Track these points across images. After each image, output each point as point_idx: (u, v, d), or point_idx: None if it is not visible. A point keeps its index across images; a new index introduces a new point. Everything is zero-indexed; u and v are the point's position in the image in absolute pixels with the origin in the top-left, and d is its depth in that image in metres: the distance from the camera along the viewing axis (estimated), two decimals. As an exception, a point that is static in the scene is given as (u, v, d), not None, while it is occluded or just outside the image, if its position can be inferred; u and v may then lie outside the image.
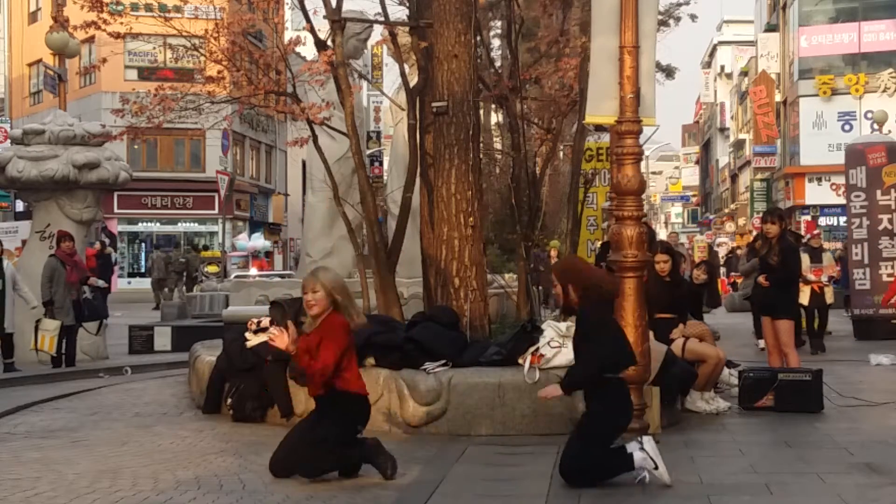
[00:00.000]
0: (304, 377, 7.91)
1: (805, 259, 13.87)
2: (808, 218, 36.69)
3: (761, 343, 16.70)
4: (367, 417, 6.32)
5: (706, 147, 79.14)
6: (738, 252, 28.94)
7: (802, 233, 15.66)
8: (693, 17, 26.96)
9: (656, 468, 5.81)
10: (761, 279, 10.21)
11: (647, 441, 5.90)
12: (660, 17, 20.15)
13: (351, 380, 6.16)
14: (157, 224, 42.10)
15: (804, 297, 13.98)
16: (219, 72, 10.88)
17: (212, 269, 32.23)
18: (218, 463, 6.76)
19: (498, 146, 23.04)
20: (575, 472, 5.88)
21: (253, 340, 8.46)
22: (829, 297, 14.91)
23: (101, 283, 15.62)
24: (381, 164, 41.76)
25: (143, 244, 40.71)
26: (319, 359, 5.97)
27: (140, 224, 41.84)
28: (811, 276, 14.31)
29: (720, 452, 6.97)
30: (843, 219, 17.08)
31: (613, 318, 6.43)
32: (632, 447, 5.88)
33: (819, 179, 38.30)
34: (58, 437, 8.09)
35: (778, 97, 44.14)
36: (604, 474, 5.94)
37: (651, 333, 7.88)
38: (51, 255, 13.38)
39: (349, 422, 6.16)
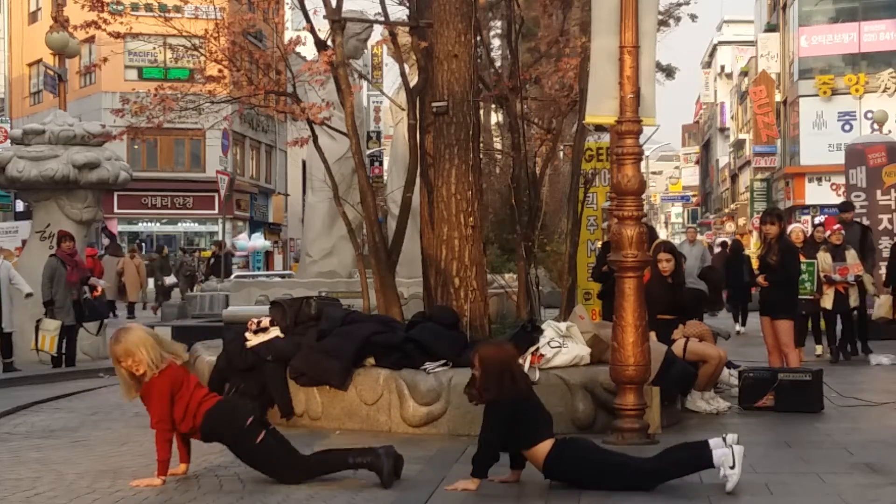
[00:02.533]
0: (302, 377, 7.93)
1: (827, 258, 12.96)
2: (808, 217, 36.68)
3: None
4: (235, 418, 6.14)
5: (706, 147, 79.14)
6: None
7: (823, 231, 14.03)
8: (693, 17, 26.96)
9: (733, 467, 5.65)
10: (760, 279, 10.22)
11: (731, 438, 5.76)
12: (660, 17, 20.13)
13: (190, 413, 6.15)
14: (157, 224, 42.12)
15: (827, 301, 12.91)
16: (219, 70, 10.89)
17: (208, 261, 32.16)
18: (218, 463, 6.76)
19: (498, 146, 23.04)
20: (645, 481, 5.80)
21: (253, 340, 8.51)
22: (854, 299, 13.24)
23: (101, 283, 15.62)
24: (381, 164, 41.74)
25: (143, 244, 40.73)
26: (151, 417, 6.13)
27: (140, 224, 41.85)
28: (836, 276, 12.93)
29: (720, 452, 6.96)
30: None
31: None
32: (714, 443, 5.76)
33: (819, 179, 38.27)
34: (58, 437, 8.09)
35: (778, 97, 44.12)
36: (681, 470, 5.85)
37: (653, 334, 7.89)
38: (51, 255, 13.38)
39: (232, 439, 6.13)
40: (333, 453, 6.29)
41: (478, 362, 6.01)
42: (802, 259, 11.75)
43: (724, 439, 5.81)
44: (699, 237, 25.12)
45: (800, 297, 11.51)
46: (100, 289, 14.61)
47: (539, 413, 6.00)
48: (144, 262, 28.51)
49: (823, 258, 12.97)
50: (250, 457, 6.14)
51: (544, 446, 5.85)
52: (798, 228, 13.02)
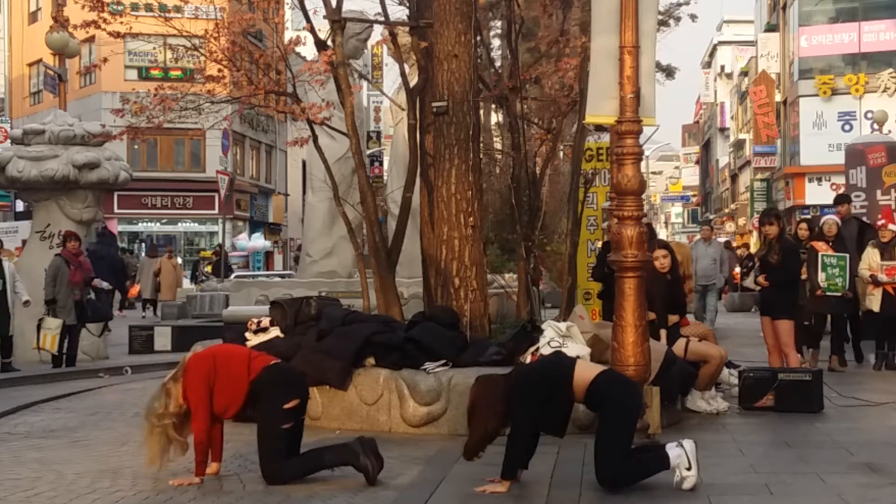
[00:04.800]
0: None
1: (875, 255, 11.78)
2: (808, 216, 36.63)
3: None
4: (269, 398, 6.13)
5: (706, 147, 79.11)
6: (739, 252, 28.95)
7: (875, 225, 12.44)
8: (693, 17, 26.94)
9: (689, 468, 5.71)
10: (761, 279, 10.21)
11: (688, 442, 5.83)
12: (660, 17, 20.13)
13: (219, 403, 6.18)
14: (157, 224, 42.09)
15: (874, 303, 11.75)
16: (219, 70, 10.89)
17: (211, 268, 32.21)
18: (218, 463, 6.75)
19: (498, 146, 23.02)
20: (611, 478, 5.82)
21: (253, 340, 8.51)
22: None
23: (104, 284, 15.62)
24: (381, 164, 41.72)
25: (143, 244, 40.70)
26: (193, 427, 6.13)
27: (140, 224, 41.82)
28: (883, 277, 11.64)
29: (720, 452, 6.98)
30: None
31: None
32: (670, 446, 5.84)
33: (819, 179, 38.22)
34: (58, 437, 8.10)
35: (778, 97, 44.10)
36: (640, 474, 5.89)
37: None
38: (56, 254, 13.43)
39: (268, 416, 6.12)
40: (310, 454, 6.25)
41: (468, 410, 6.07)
42: (832, 253, 11.48)
43: (681, 442, 5.84)
44: (698, 237, 24.46)
45: (829, 294, 11.33)
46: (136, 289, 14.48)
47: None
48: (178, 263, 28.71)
49: (872, 255, 11.84)
50: (264, 431, 6.10)
51: (586, 372, 5.91)
52: (832, 220, 11.91)
